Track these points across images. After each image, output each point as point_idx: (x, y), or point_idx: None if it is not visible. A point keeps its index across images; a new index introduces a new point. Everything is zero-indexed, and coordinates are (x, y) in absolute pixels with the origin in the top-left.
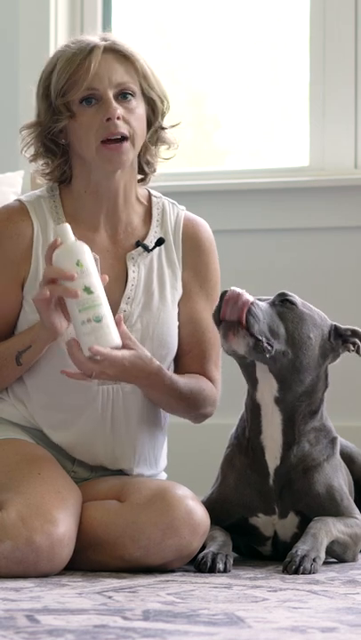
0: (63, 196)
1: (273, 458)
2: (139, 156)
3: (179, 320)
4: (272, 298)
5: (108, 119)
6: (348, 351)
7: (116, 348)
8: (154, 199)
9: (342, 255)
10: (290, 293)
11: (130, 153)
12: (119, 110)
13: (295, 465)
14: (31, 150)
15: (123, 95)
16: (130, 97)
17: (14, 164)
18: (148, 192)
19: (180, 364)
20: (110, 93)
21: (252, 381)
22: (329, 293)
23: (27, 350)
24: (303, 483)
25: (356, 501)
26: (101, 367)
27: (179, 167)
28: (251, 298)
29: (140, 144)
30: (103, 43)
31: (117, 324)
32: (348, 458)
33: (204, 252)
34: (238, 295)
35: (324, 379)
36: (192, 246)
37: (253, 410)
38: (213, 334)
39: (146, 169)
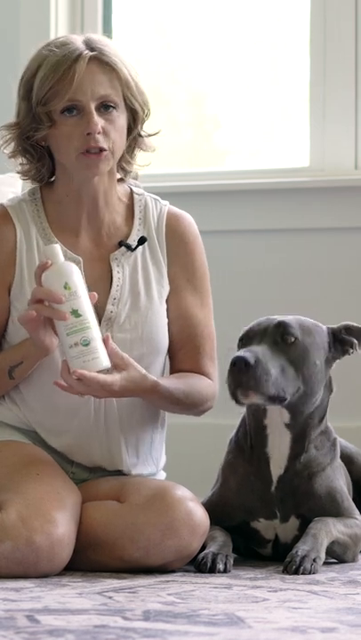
0: (45, 200)
1: (278, 468)
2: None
3: (168, 317)
4: (269, 328)
5: (89, 133)
6: (349, 354)
7: (106, 370)
8: (136, 196)
9: (343, 256)
10: (287, 322)
11: (109, 162)
12: (100, 125)
13: (300, 471)
14: (10, 147)
15: (105, 106)
16: (111, 109)
17: (14, 165)
18: (130, 189)
19: (174, 361)
20: (92, 105)
21: (261, 410)
22: (330, 294)
23: (19, 366)
24: (306, 487)
25: (354, 501)
26: (90, 390)
27: (179, 167)
28: (252, 359)
29: (119, 154)
30: (88, 52)
31: (105, 343)
32: (347, 459)
33: (189, 245)
34: (243, 363)
35: (328, 385)
36: (176, 241)
37: (259, 429)
38: (206, 328)
39: (121, 174)
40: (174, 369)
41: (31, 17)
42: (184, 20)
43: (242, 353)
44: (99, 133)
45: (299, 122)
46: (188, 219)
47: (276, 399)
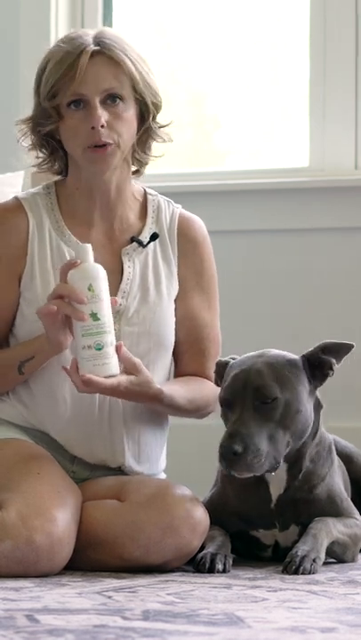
0: (59, 193)
1: (277, 489)
2: (132, 152)
3: (176, 318)
4: (247, 393)
5: (93, 127)
6: (330, 376)
7: (114, 376)
8: (149, 197)
9: (343, 256)
10: (263, 385)
11: (115, 156)
12: (103, 118)
13: (300, 486)
14: (28, 141)
15: (112, 99)
16: (118, 101)
17: (14, 165)
18: (144, 190)
19: (179, 363)
20: (97, 99)
21: None
22: (330, 294)
23: (29, 361)
24: (307, 498)
25: (354, 501)
26: (93, 390)
27: (179, 167)
28: (240, 448)
29: (127, 147)
30: (92, 47)
31: (118, 349)
32: (347, 458)
33: (199, 248)
34: (232, 453)
35: (317, 406)
36: (187, 243)
37: None
38: (212, 331)
39: (136, 165)
40: (179, 371)
41: (31, 17)
42: (184, 20)
43: (227, 441)
44: (102, 127)
45: (299, 122)
46: (199, 222)
47: (272, 469)
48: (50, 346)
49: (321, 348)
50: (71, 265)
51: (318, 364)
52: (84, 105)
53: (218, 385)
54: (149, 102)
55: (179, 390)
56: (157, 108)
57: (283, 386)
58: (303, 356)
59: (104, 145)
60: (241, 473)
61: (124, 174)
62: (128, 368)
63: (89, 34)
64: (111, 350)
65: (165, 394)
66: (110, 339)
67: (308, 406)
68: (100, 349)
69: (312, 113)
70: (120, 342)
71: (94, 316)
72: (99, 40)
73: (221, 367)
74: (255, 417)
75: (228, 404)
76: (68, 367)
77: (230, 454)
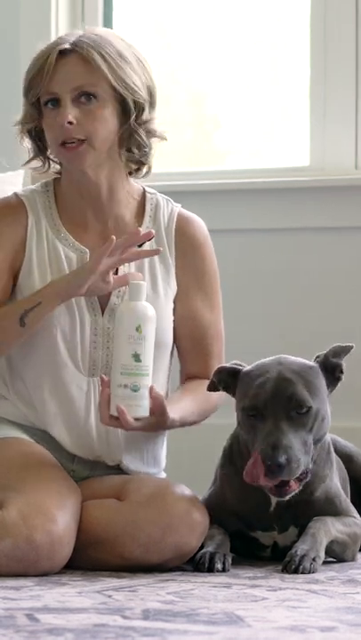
0: (56, 192)
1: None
2: (121, 151)
3: (178, 318)
4: (280, 400)
5: (62, 125)
6: (341, 380)
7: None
8: (148, 195)
9: (342, 255)
10: (298, 393)
11: (88, 154)
12: (71, 115)
13: (301, 490)
14: (25, 143)
15: (85, 96)
16: (92, 98)
17: (14, 164)
18: (143, 189)
19: (183, 364)
20: (68, 97)
21: None
22: (330, 294)
23: (34, 308)
24: (307, 500)
25: (353, 500)
26: (118, 426)
27: (179, 167)
28: (284, 460)
29: (102, 145)
30: (65, 45)
31: (152, 392)
32: (347, 457)
33: (199, 247)
34: (278, 466)
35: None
36: (186, 243)
37: None
38: (215, 330)
39: (134, 165)
40: (184, 371)
41: (31, 17)
42: (184, 20)
43: (272, 454)
44: (70, 123)
45: (299, 121)
46: (199, 221)
47: (303, 477)
48: (83, 271)
49: (333, 352)
50: (138, 237)
51: (330, 369)
52: (57, 103)
53: (214, 389)
54: (130, 100)
55: (189, 408)
56: (139, 106)
57: (312, 394)
58: (319, 362)
59: (77, 142)
60: (277, 481)
61: (115, 174)
62: (155, 410)
63: (74, 34)
64: (146, 393)
65: (178, 420)
66: (148, 381)
67: (328, 412)
68: (136, 391)
69: (312, 112)
70: (153, 385)
71: (137, 357)
72: (77, 39)
73: (229, 374)
74: (290, 426)
75: (257, 412)
76: (106, 378)
77: (276, 467)
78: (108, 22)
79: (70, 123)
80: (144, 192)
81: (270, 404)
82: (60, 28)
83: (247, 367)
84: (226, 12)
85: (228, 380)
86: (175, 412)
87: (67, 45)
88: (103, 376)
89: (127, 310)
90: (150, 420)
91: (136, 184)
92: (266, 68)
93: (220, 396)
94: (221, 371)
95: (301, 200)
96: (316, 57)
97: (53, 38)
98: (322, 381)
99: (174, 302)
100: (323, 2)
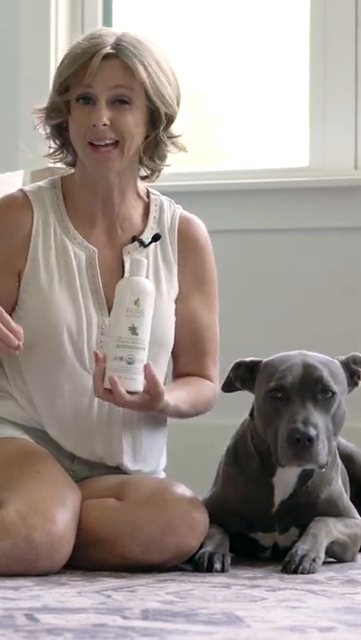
0: (64, 190)
1: (282, 494)
2: (141, 158)
3: (177, 319)
4: (308, 382)
5: (95, 125)
6: (357, 386)
7: (136, 393)
8: (152, 196)
9: (342, 256)
10: (325, 377)
11: (117, 159)
12: (105, 118)
13: (307, 492)
14: (43, 130)
15: (120, 101)
16: (126, 104)
17: (14, 164)
18: (147, 190)
19: (178, 363)
20: (104, 97)
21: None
22: (330, 294)
23: None
24: (312, 503)
25: (353, 500)
26: (112, 400)
27: (179, 167)
28: (314, 433)
29: (131, 150)
30: (108, 49)
31: (146, 368)
32: (347, 458)
33: (200, 250)
34: (307, 439)
35: None
36: (187, 244)
37: (267, 460)
38: (212, 331)
39: (147, 172)
40: (178, 371)
41: (31, 17)
42: (184, 20)
43: (302, 427)
44: (104, 125)
45: (299, 122)
46: (200, 224)
47: (323, 465)
48: None
49: (353, 359)
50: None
51: (349, 373)
52: (92, 102)
53: (231, 387)
54: (162, 112)
55: (183, 397)
56: (170, 119)
57: (336, 382)
58: (338, 360)
59: (104, 145)
60: (302, 462)
61: (127, 177)
62: (149, 389)
63: (111, 34)
64: (141, 367)
65: (170, 407)
66: (143, 356)
67: (346, 407)
68: (131, 364)
69: (312, 113)
70: (149, 362)
71: (133, 330)
72: (117, 43)
73: (247, 368)
74: (316, 408)
75: (283, 394)
76: (100, 354)
77: (306, 440)
78: (107, 22)
79: (104, 124)
80: (148, 193)
81: (298, 385)
82: (60, 28)
83: (268, 358)
84: (226, 13)
85: (245, 374)
86: (170, 398)
87: (109, 49)
88: (97, 352)
89: (126, 284)
90: (144, 397)
91: (140, 185)
92: (266, 68)
93: (214, 394)
94: (240, 364)
95: (301, 200)
96: (315, 57)
97: (53, 39)
98: (343, 376)
99: (175, 303)
100: (322, 2)
